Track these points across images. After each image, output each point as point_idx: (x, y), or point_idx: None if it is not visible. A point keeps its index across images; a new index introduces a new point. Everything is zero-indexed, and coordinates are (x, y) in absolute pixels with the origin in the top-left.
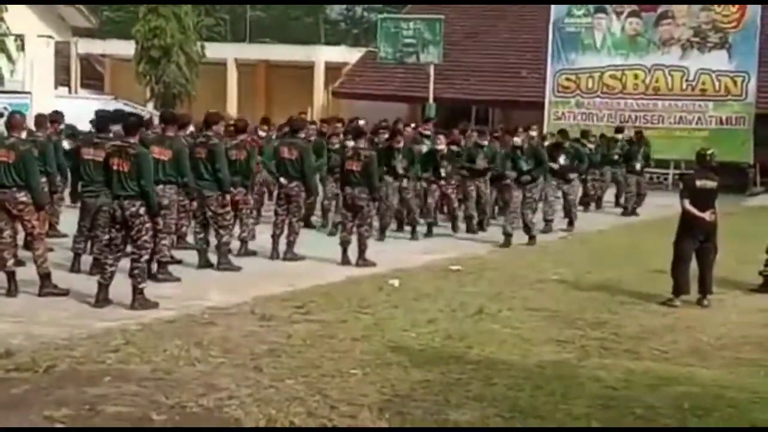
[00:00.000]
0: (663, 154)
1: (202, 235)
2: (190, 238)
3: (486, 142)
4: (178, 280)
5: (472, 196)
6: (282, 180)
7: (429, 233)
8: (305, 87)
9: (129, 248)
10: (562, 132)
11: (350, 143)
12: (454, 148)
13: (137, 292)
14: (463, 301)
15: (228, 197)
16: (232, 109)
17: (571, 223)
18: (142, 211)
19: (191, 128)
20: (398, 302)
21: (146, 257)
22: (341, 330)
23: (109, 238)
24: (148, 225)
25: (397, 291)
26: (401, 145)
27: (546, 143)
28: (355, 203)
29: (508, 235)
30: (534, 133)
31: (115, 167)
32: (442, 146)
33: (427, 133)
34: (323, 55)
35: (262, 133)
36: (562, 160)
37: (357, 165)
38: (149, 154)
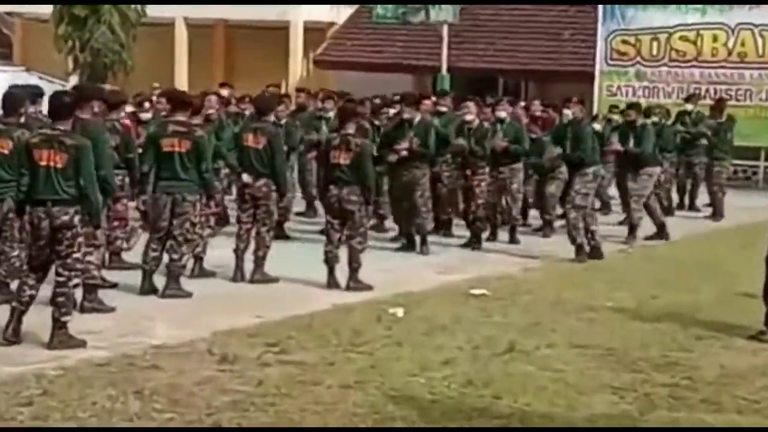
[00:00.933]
0: (750, 141)
1: (157, 254)
2: (127, 255)
3: (504, 113)
4: (111, 310)
5: (514, 192)
6: (245, 176)
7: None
8: (277, 54)
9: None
10: (635, 106)
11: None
12: (486, 124)
13: (59, 326)
14: (488, 336)
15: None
16: (181, 83)
17: (632, 231)
18: (76, 220)
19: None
20: (403, 337)
21: (77, 281)
22: (328, 375)
23: (30, 255)
24: (81, 239)
25: (402, 322)
26: (414, 117)
27: (596, 125)
28: (343, 207)
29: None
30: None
31: (42, 162)
32: (472, 116)
33: (443, 108)
34: (301, 13)
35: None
36: (631, 143)
37: (345, 157)
38: (89, 146)
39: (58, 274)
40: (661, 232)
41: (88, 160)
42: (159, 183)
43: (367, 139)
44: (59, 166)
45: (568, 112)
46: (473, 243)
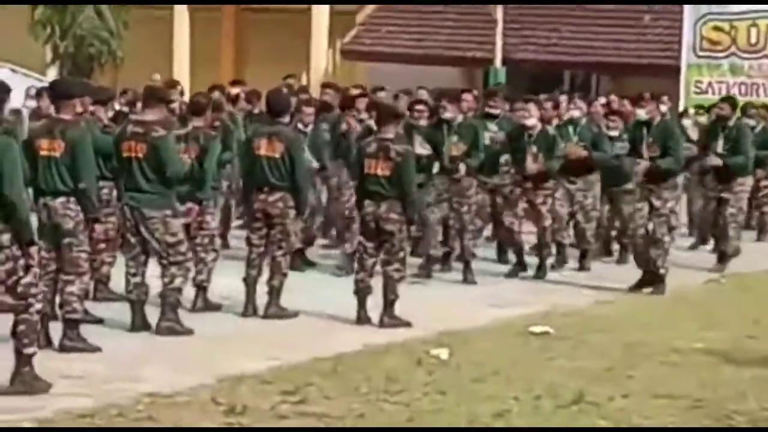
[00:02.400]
0: None
1: (138, 279)
2: (114, 283)
3: (577, 113)
4: (97, 349)
5: (588, 209)
6: (258, 191)
7: (519, 269)
8: (298, 43)
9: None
10: (729, 100)
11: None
12: (550, 129)
13: (23, 361)
14: (552, 383)
15: (179, 216)
16: (182, 76)
17: (723, 258)
18: (4, 239)
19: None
20: (447, 385)
21: (38, 307)
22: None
23: None
24: (22, 261)
25: (446, 366)
26: (457, 118)
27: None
28: (381, 227)
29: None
30: (664, 107)
31: None
32: (533, 121)
33: (496, 112)
34: None
35: None
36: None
37: (384, 167)
38: (14, 145)
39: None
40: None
41: (12, 165)
42: (124, 194)
43: (410, 146)
44: None
45: (641, 112)
46: (537, 271)
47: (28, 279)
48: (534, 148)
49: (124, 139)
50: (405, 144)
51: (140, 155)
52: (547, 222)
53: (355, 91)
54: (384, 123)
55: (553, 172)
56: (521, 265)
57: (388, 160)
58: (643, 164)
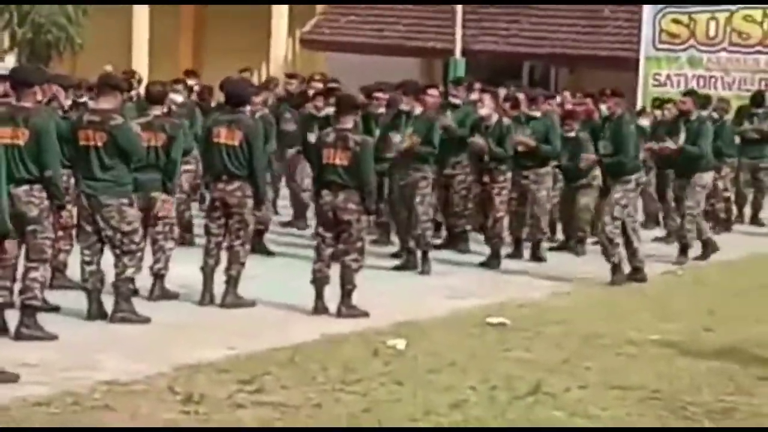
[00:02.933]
0: None
1: (94, 267)
2: (72, 271)
3: (538, 114)
4: (53, 338)
5: (541, 201)
6: (216, 180)
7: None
8: (258, 32)
9: None
10: (692, 94)
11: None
12: (505, 120)
13: None
14: (509, 374)
15: (135, 205)
16: (140, 66)
17: (684, 251)
18: None
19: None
20: (404, 375)
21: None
22: (313, 419)
23: None
24: None
25: (403, 357)
26: (413, 109)
27: (643, 121)
28: (339, 217)
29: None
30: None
31: None
32: (487, 111)
33: (458, 101)
34: None
35: (176, 96)
36: (680, 139)
37: (342, 157)
38: None
39: None
40: (707, 250)
41: None
42: (80, 182)
43: (369, 137)
44: None
45: (602, 107)
46: (491, 261)
47: None
48: (489, 139)
49: (80, 128)
50: (363, 135)
51: (99, 144)
52: (500, 212)
53: (317, 85)
54: (343, 113)
55: (505, 161)
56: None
57: (346, 150)
58: (590, 157)
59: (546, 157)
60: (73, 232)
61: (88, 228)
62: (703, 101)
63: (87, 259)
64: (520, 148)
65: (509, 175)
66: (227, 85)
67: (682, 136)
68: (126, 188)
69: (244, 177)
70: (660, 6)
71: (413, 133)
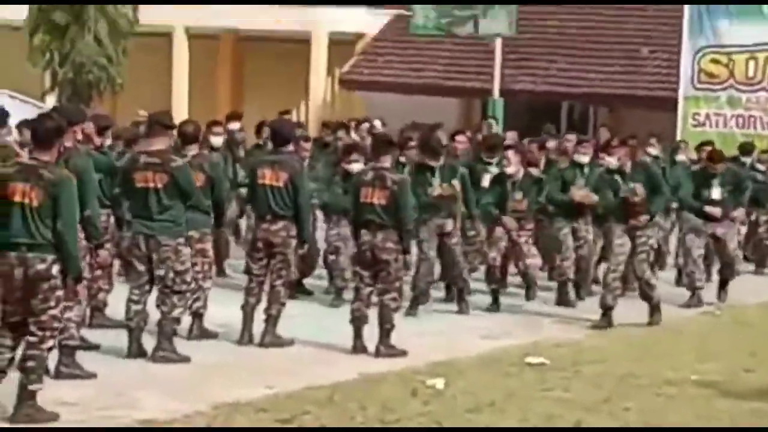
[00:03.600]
0: None
1: (140, 306)
2: (111, 310)
3: (587, 159)
4: (92, 376)
5: (568, 244)
6: (260, 220)
7: (493, 305)
8: (296, 72)
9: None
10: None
11: (357, 163)
12: (533, 171)
13: (27, 396)
14: (548, 413)
15: (189, 246)
16: (179, 106)
17: (723, 290)
18: (55, 270)
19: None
20: (443, 415)
21: (51, 343)
22: None
23: (3, 310)
24: (60, 293)
25: (441, 397)
26: (439, 163)
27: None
28: (377, 256)
29: (606, 308)
30: (653, 150)
31: (16, 198)
32: (513, 168)
33: (493, 160)
34: (325, 22)
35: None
36: (716, 192)
37: (380, 196)
38: (72, 181)
39: (30, 333)
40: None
41: (70, 199)
42: (134, 222)
43: (407, 176)
44: (35, 204)
45: (611, 160)
46: (527, 295)
47: (54, 312)
48: (518, 195)
49: (137, 170)
50: (401, 175)
51: (159, 185)
52: (528, 260)
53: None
54: (380, 153)
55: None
56: (496, 302)
57: (384, 189)
58: (642, 218)
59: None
60: (113, 271)
61: (140, 268)
62: (749, 147)
63: (135, 298)
64: (583, 201)
65: (533, 224)
66: (273, 125)
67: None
68: (182, 228)
69: (289, 217)
70: (700, 45)
71: (442, 184)
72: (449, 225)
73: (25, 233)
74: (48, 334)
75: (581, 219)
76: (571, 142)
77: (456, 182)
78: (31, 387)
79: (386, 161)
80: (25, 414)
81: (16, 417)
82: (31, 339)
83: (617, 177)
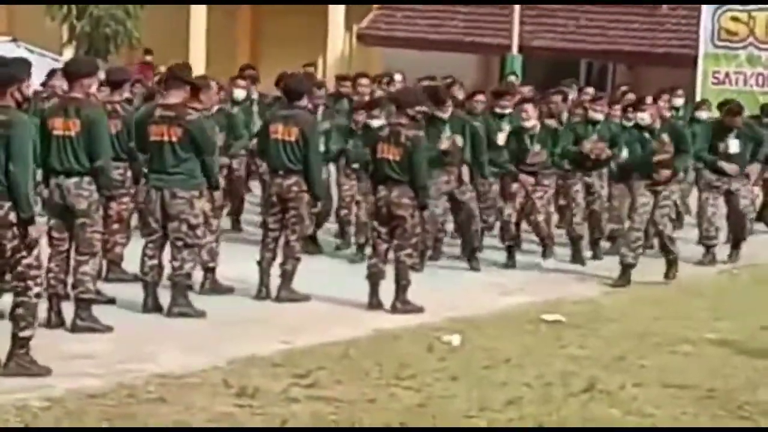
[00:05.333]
0: None
1: (155, 261)
2: (128, 264)
3: (601, 116)
4: (108, 330)
5: (579, 202)
6: (273, 174)
7: (509, 261)
8: (315, 27)
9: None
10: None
11: (378, 119)
12: (550, 123)
13: (18, 344)
14: (563, 371)
15: (204, 199)
16: (198, 61)
17: (736, 248)
18: (12, 217)
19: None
20: (459, 371)
21: (37, 290)
22: (367, 414)
23: None
24: (30, 239)
25: (457, 353)
26: (447, 114)
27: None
28: (393, 212)
29: (626, 266)
30: (679, 101)
31: None
32: (531, 122)
33: (506, 111)
34: None
35: (239, 92)
36: (734, 145)
37: (396, 152)
38: (26, 123)
39: (13, 285)
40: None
41: (22, 139)
42: (149, 176)
43: (421, 132)
44: None
45: (643, 116)
46: (545, 252)
47: (29, 260)
48: (537, 147)
49: (152, 123)
50: (416, 130)
51: (173, 138)
52: (540, 216)
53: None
54: (401, 108)
55: (551, 167)
56: (511, 259)
57: (399, 145)
58: (664, 173)
59: (636, 164)
60: (130, 224)
61: (154, 222)
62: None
63: (149, 252)
64: (593, 156)
65: (552, 179)
66: (286, 79)
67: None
68: (198, 181)
69: (301, 172)
70: (719, 3)
71: (451, 137)
72: (453, 181)
73: (60, 163)
74: (30, 283)
75: (595, 173)
76: (589, 96)
77: (458, 137)
78: (21, 334)
79: (403, 117)
80: (16, 363)
81: (8, 366)
82: (16, 289)
83: (647, 134)
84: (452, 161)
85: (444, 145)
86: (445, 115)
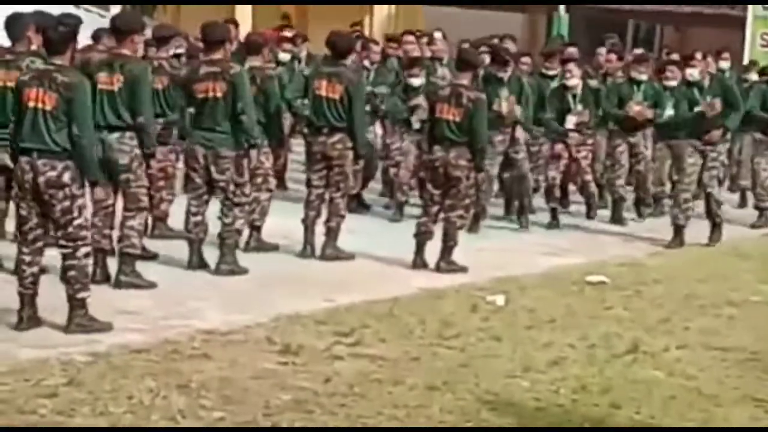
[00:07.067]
0: None
1: (200, 218)
2: (174, 221)
3: (645, 77)
4: (152, 286)
5: (622, 163)
6: (318, 132)
7: (553, 222)
8: None
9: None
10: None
11: (418, 78)
12: (593, 83)
13: (76, 305)
14: (607, 333)
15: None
16: (245, 18)
17: (762, 213)
18: (67, 177)
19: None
20: (502, 331)
21: (85, 250)
22: (410, 372)
23: (19, 219)
24: (80, 201)
25: (501, 313)
26: (507, 74)
27: (750, 76)
28: (449, 173)
29: (678, 228)
30: (725, 64)
31: (30, 103)
32: (574, 81)
33: (554, 72)
34: None
35: (283, 55)
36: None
37: (456, 113)
38: (86, 84)
39: (62, 246)
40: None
41: (84, 101)
42: (194, 133)
43: (483, 94)
44: (48, 108)
45: (692, 72)
46: (588, 213)
47: (79, 221)
48: (579, 107)
49: (197, 80)
50: (477, 92)
51: (219, 94)
52: (587, 176)
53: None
54: (462, 69)
55: (594, 126)
56: (555, 220)
57: (460, 106)
58: (715, 133)
59: (674, 126)
60: (176, 182)
61: (198, 179)
62: None
63: (194, 210)
64: (639, 119)
65: (590, 141)
66: (332, 37)
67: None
68: (241, 140)
69: (345, 129)
70: None
71: (509, 97)
72: (507, 140)
73: (36, 139)
74: (79, 243)
75: (639, 134)
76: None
77: (513, 99)
78: (77, 296)
79: (464, 78)
80: (77, 324)
81: (70, 327)
82: (65, 251)
83: (695, 91)
84: (507, 121)
85: (504, 108)
86: (505, 76)
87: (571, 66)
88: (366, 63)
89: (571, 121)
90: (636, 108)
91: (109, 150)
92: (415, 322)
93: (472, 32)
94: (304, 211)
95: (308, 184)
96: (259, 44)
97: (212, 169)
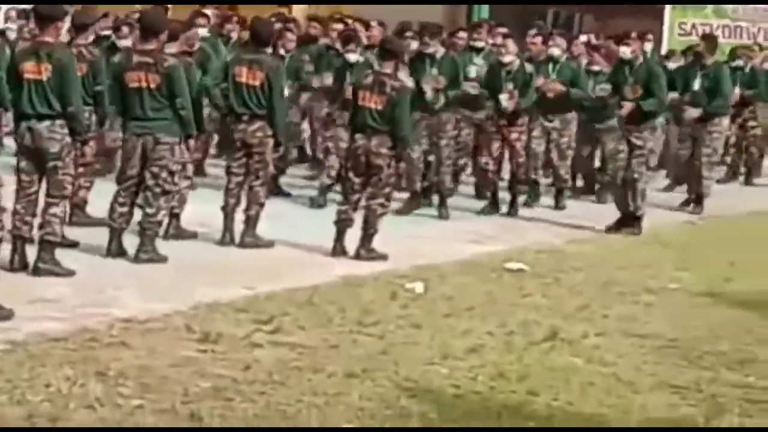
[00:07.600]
0: None
1: (126, 209)
2: (91, 208)
3: (559, 51)
4: (71, 274)
5: (566, 152)
6: (238, 119)
7: (491, 207)
8: None
9: None
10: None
11: (354, 53)
12: (528, 66)
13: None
14: (525, 320)
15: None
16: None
17: (699, 200)
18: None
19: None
20: (422, 319)
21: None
22: (330, 360)
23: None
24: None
25: (421, 301)
26: (436, 51)
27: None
28: (371, 161)
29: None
30: (648, 45)
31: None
32: (510, 57)
33: (481, 45)
34: None
35: (201, 30)
36: (696, 84)
37: (378, 101)
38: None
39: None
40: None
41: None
42: (128, 124)
43: (408, 82)
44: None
45: (625, 50)
46: (510, 208)
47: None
48: (510, 85)
49: (129, 69)
50: (402, 81)
51: (152, 85)
52: (521, 159)
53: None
54: (385, 58)
55: (527, 109)
56: (494, 205)
57: (382, 94)
58: (627, 106)
59: (578, 100)
60: (94, 168)
61: (133, 170)
62: (731, 52)
63: (121, 200)
64: (549, 94)
65: (525, 120)
66: (255, 24)
67: (698, 82)
68: (178, 128)
69: (265, 117)
70: None
71: (438, 75)
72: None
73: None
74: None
75: (557, 119)
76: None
77: (442, 78)
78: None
79: (388, 66)
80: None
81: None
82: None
83: (626, 70)
84: (434, 106)
85: (503, 101)
86: (437, 54)
87: (508, 41)
88: (281, 51)
89: (504, 99)
90: (548, 84)
91: (39, 139)
92: (334, 309)
93: (390, 22)
94: (224, 199)
95: (228, 171)
96: (177, 31)
97: (150, 155)
